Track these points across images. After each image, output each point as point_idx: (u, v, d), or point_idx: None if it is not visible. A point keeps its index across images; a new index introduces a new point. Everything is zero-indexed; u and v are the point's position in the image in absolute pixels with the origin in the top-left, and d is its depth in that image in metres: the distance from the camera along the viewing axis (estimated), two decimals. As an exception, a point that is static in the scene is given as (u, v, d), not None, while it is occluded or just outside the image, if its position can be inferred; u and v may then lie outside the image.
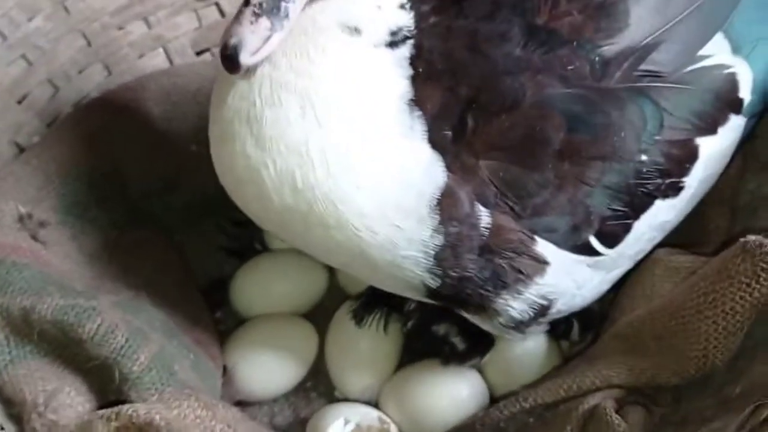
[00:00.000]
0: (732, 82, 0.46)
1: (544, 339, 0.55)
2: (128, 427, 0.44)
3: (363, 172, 0.42)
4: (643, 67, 0.44)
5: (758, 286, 0.42)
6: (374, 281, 0.49)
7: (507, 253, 0.43)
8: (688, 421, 0.44)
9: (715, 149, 0.47)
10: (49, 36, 0.62)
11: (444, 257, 0.43)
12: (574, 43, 0.43)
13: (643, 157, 0.44)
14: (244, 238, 0.63)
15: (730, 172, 0.51)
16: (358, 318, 0.57)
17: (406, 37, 0.43)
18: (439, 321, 0.55)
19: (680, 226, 0.49)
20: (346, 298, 0.60)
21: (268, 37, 0.39)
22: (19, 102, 0.62)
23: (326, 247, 0.44)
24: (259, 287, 0.61)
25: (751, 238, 0.42)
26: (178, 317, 0.55)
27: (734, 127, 0.48)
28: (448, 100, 0.43)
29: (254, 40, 0.39)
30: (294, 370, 0.58)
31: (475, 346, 0.54)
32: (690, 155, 0.46)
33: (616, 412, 0.44)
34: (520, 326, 0.47)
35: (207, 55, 0.68)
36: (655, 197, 0.45)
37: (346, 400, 0.57)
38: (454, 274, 0.44)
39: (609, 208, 0.44)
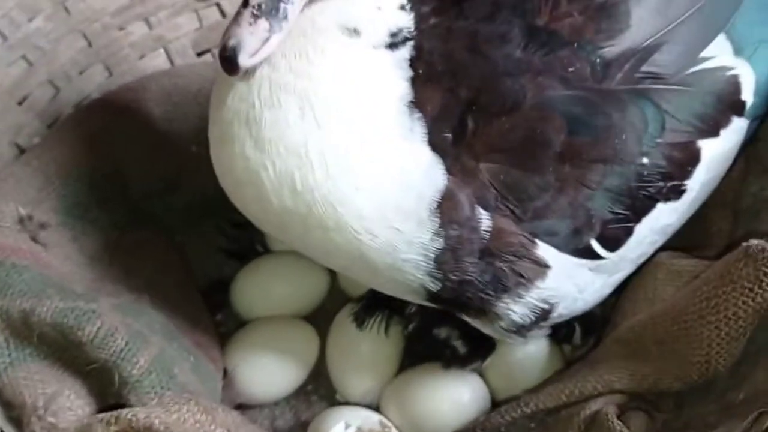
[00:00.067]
0: (734, 84, 0.46)
1: (545, 343, 0.55)
2: (127, 431, 0.44)
3: (362, 174, 0.42)
4: (644, 68, 0.44)
5: (761, 291, 0.42)
6: (374, 284, 0.49)
7: (508, 256, 0.43)
8: (690, 427, 0.44)
9: (717, 152, 0.47)
10: (50, 36, 0.62)
11: (444, 260, 0.43)
12: (575, 45, 0.43)
13: (645, 160, 0.44)
14: (244, 240, 0.63)
15: (733, 174, 0.50)
16: (359, 321, 0.57)
17: (406, 39, 0.43)
18: (441, 324, 0.55)
19: (682, 229, 0.49)
20: (347, 300, 0.60)
21: (267, 39, 0.39)
22: (20, 103, 0.62)
23: (325, 249, 0.44)
24: (260, 289, 0.61)
25: (754, 242, 0.42)
26: (178, 319, 0.55)
27: (736, 129, 0.47)
28: (448, 102, 0.43)
29: (253, 42, 0.39)
30: (295, 372, 0.58)
31: (476, 350, 0.54)
32: (692, 158, 0.46)
33: (618, 417, 0.44)
34: (521, 330, 0.47)
35: (208, 56, 0.68)
36: (657, 200, 0.45)
37: (347, 403, 0.57)
38: (454, 277, 0.43)
39: (610, 212, 0.44)
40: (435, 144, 0.42)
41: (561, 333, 0.54)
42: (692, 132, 0.45)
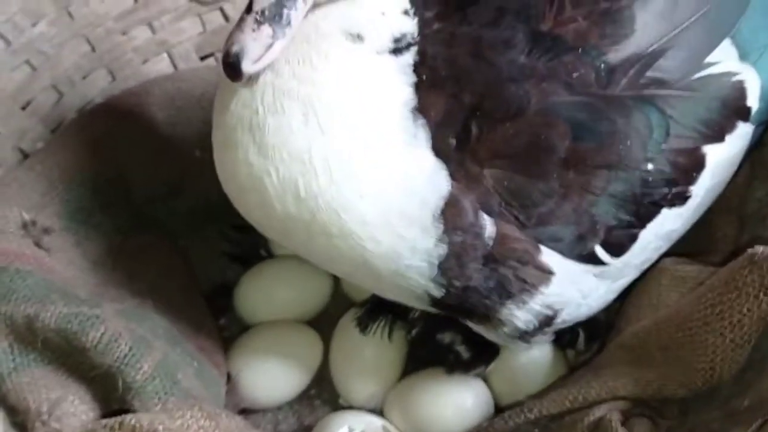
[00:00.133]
0: (740, 90, 0.46)
1: (549, 348, 0.55)
2: (131, 437, 0.44)
3: (366, 180, 0.41)
4: (649, 74, 0.43)
5: (766, 298, 0.41)
6: (378, 290, 0.49)
7: (512, 262, 0.43)
8: (694, 434, 0.44)
9: (722, 157, 0.46)
10: (53, 41, 0.62)
11: (448, 267, 0.43)
12: (579, 50, 0.43)
13: (650, 166, 0.44)
14: (248, 244, 0.63)
15: (738, 180, 0.50)
16: (363, 325, 0.57)
17: (410, 44, 0.43)
18: (444, 329, 0.54)
19: (687, 235, 0.49)
20: (350, 305, 0.60)
21: (270, 45, 0.39)
22: (23, 108, 0.62)
23: (329, 255, 0.44)
24: (264, 294, 0.61)
25: (759, 249, 0.42)
26: (182, 324, 0.55)
27: (742, 134, 0.47)
28: (452, 108, 0.42)
29: (256, 48, 0.39)
30: (298, 377, 0.58)
31: (480, 355, 0.54)
32: (697, 164, 0.45)
33: (622, 424, 0.44)
34: (525, 336, 0.47)
35: (211, 60, 0.68)
36: (662, 206, 0.45)
37: (351, 407, 0.57)
38: (458, 283, 0.43)
39: (615, 218, 0.44)
40: (439, 150, 0.42)
41: (565, 338, 0.54)
42: (697, 138, 0.45)
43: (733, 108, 0.46)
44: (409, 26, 0.43)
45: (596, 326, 0.54)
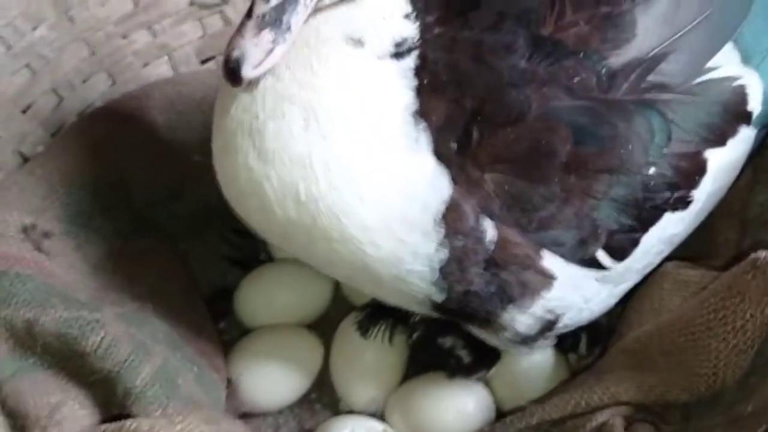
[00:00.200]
0: (741, 94, 0.46)
1: (551, 353, 0.54)
2: (131, 442, 0.43)
3: (367, 184, 0.41)
4: (650, 78, 0.43)
5: (769, 303, 0.41)
6: (379, 295, 0.48)
7: (513, 267, 0.43)
8: (697, 440, 0.44)
9: (724, 162, 0.46)
10: (54, 45, 0.62)
11: (449, 271, 0.43)
12: (581, 55, 0.43)
13: (651, 170, 0.43)
14: (248, 248, 0.63)
15: (740, 184, 0.50)
16: (364, 329, 0.57)
17: (411, 49, 0.43)
18: (445, 333, 0.54)
19: (689, 239, 0.49)
20: (351, 309, 0.60)
21: (271, 50, 0.39)
22: (24, 111, 0.62)
23: (330, 260, 0.44)
24: (264, 297, 0.61)
25: (762, 254, 0.41)
26: (182, 328, 0.55)
27: (744, 139, 0.47)
28: (453, 112, 0.42)
29: (257, 53, 0.38)
30: (299, 381, 0.58)
31: (481, 359, 0.54)
32: (698, 168, 0.45)
33: (625, 429, 0.44)
34: (526, 341, 0.46)
35: (212, 64, 0.68)
36: (664, 210, 0.45)
37: (351, 412, 0.57)
38: (459, 288, 0.43)
39: (616, 222, 0.44)
40: (440, 154, 0.42)
41: (566, 343, 0.54)
42: (699, 142, 0.45)
43: (734, 112, 0.46)
44: (410, 30, 0.43)
45: (598, 330, 0.54)
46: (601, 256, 0.44)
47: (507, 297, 0.44)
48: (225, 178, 0.44)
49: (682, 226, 0.47)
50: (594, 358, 0.54)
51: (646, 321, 0.48)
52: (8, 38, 0.60)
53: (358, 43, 0.42)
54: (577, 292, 0.45)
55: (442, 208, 0.42)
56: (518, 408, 0.52)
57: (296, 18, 0.39)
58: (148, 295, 0.55)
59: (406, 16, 0.43)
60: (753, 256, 0.42)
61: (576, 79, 0.42)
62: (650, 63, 0.43)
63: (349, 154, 0.41)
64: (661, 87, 0.43)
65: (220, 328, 0.60)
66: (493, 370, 0.54)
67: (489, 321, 0.45)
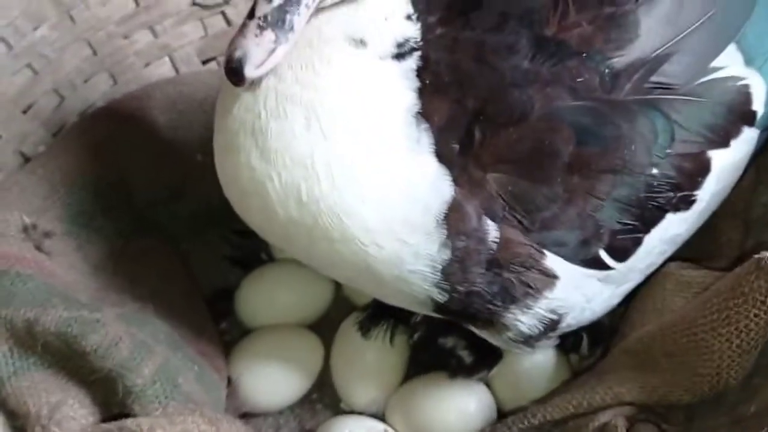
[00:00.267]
0: (745, 95, 0.46)
1: (552, 353, 0.54)
2: (131, 441, 0.43)
3: (369, 185, 0.41)
4: (653, 79, 0.43)
5: (773, 304, 0.41)
6: (380, 296, 0.48)
7: (515, 267, 0.43)
8: (700, 440, 0.44)
9: (727, 162, 0.46)
10: (55, 45, 0.62)
11: (452, 272, 0.42)
12: (584, 55, 0.43)
13: (654, 171, 0.43)
14: (249, 248, 0.63)
15: (743, 184, 0.50)
16: (365, 329, 0.57)
17: (413, 49, 0.42)
18: (447, 333, 0.54)
19: (692, 240, 0.49)
20: (352, 309, 0.60)
21: (273, 50, 0.38)
22: (25, 111, 0.62)
23: (331, 261, 0.43)
24: (265, 298, 0.60)
25: (766, 254, 0.41)
26: (183, 328, 0.55)
27: (747, 139, 0.47)
28: (455, 113, 0.42)
29: (259, 53, 0.38)
30: (299, 381, 0.58)
31: (482, 360, 0.54)
32: (702, 168, 0.45)
33: (627, 430, 0.44)
34: (529, 341, 0.46)
35: (213, 64, 0.68)
36: (666, 211, 0.45)
37: (352, 412, 0.57)
38: (461, 288, 0.43)
39: (619, 222, 0.44)
40: (442, 155, 0.42)
41: (568, 343, 0.54)
42: (702, 142, 0.45)
43: (738, 113, 0.45)
44: (412, 31, 0.43)
45: (600, 331, 0.54)
46: (604, 256, 0.44)
47: (510, 297, 0.43)
48: (226, 177, 0.44)
49: (685, 226, 0.47)
50: (596, 358, 0.54)
51: (648, 321, 0.48)
52: (9, 38, 0.60)
53: (360, 43, 0.41)
54: (579, 292, 0.45)
55: (444, 208, 0.42)
56: (520, 408, 0.52)
57: (298, 18, 0.39)
58: (149, 295, 0.55)
59: (408, 17, 0.43)
60: (756, 256, 0.42)
61: (579, 80, 0.42)
62: (653, 63, 0.43)
63: (350, 154, 0.41)
64: (665, 87, 0.43)
65: (221, 329, 0.60)
66: (494, 371, 0.54)
67: (491, 321, 0.45)
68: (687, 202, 0.45)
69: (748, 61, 0.46)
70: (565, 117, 0.42)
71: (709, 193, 0.46)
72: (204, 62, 0.68)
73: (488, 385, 0.55)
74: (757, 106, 0.46)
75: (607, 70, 0.43)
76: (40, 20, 0.61)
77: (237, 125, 0.42)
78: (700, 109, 0.44)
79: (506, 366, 0.54)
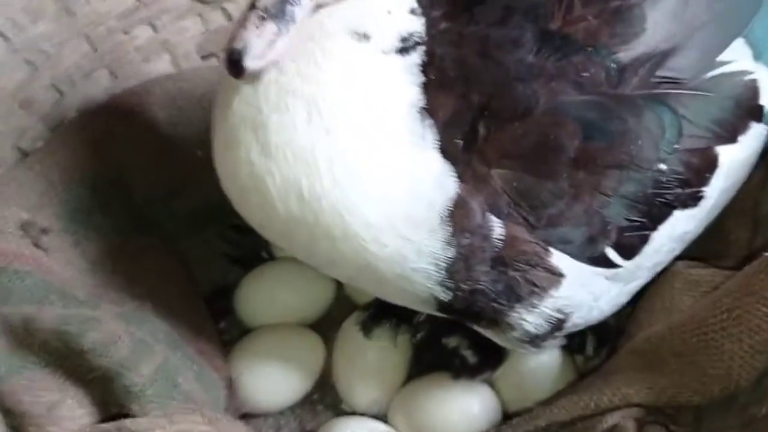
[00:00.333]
0: (753, 89, 0.45)
1: (557, 353, 0.54)
2: (130, 442, 0.43)
3: (371, 181, 0.41)
4: (660, 73, 0.42)
5: (785, 303, 0.41)
6: (382, 294, 0.48)
7: (521, 265, 0.42)
8: (709, 442, 0.43)
9: (735, 158, 0.45)
10: (54, 40, 0.61)
11: (456, 270, 0.42)
12: (589, 49, 0.42)
13: (662, 166, 0.43)
14: (249, 246, 0.62)
15: (752, 182, 0.49)
16: (367, 329, 0.56)
17: (417, 44, 0.42)
18: (450, 333, 0.54)
19: (699, 238, 0.48)
20: (353, 308, 0.59)
21: (274, 42, 0.38)
22: (23, 106, 0.61)
23: (332, 259, 0.43)
24: (265, 296, 0.60)
25: (777, 253, 0.41)
26: (182, 327, 0.54)
27: (755, 135, 0.46)
28: (460, 108, 0.42)
29: (259, 45, 0.38)
30: (300, 381, 0.57)
31: (486, 360, 0.53)
32: (709, 164, 0.44)
33: (636, 432, 0.43)
34: (535, 340, 0.46)
35: (213, 60, 0.67)
36: (674, 207, 0.44)
37: (354, 413, 0.57)
38: (466, 287, 0.42)
39: (626, 219, 0.43)
40: (446, 151, 0.41)
41: (573, 343, 0.53)
42: (710, 138, 0.44)
43: (746, 108, 0.45)
44: (416, 25, 0.42)
45: (605, 331, 0.53)
46: (611, 253, 0.44)
47: (515, 296, 0.43)
48: (225, 173, 0.44)
49: (693, 223, 0.46)
50: (601, 359, 0.54)
51: (656, 321, 0.48)
52: (8, 33, 0.59)
53: (364, 37, 0.41)
54: (586, 290, 0.44)
55: (448, 205, 0.41)
56: (525, 409, 0.51)
57: (299, 9, 0.39)
58: (148, 293, 0.55)
59: (412, 11, 0.42)
60: (767, 255, 0.41)
61: (584, 74, 0.42)
62: (660, 58, 0.42)
63: (353, 149, 0.40)
64: (672, 82, 0.43)
65: (220, 328, 0.60)
66: (498, 371, 0.54)
67: (496, 321, 0.44)
68: (695, 199, 0.45)
69: (757, 56, 0.45)
70: (570, 112, 0.41)
71: (717, 190, 0.46)
72: (204, 58, 0.67)
73: (492, 385, 0.55)
74: (766, 101, 0.46)
75: (613, 65, 0.42)
76: (40, 15, 0.60)
77: (237, 119, 0.42)
78: (707, 104, 0.43)
79: (510, 366, 0.54)
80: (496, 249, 0.42)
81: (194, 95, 0.62)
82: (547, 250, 0.42)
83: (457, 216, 0.41)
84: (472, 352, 0.53)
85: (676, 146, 0.43)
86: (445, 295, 0.43)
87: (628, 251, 0.44)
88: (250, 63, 0.38)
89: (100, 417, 0.48)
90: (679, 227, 0.45)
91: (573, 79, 0.42)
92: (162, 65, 0.66)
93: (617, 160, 0.42)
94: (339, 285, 0.61)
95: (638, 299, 0.50)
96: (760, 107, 0.46)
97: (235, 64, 0.38)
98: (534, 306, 0.43)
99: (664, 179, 0.43)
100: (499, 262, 0.42)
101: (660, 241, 0.45)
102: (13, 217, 0.54)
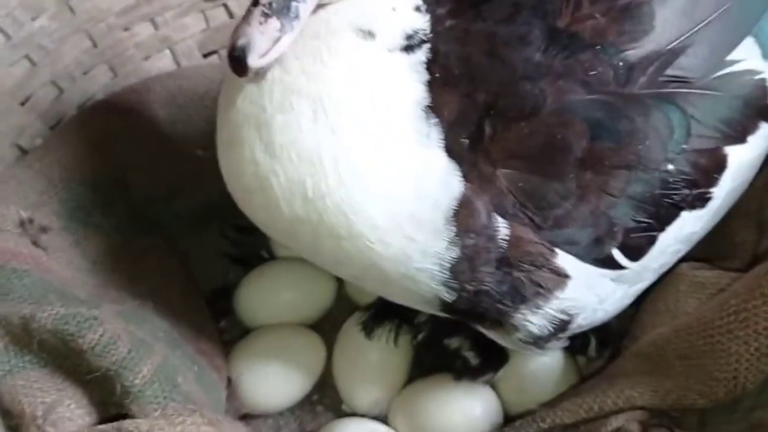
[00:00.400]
0: (762, 89, 0.45)
1: (560, 355, 0.53)
2: (129, 443, 0.42)
3: (377, 180, 0.40)
4: (669, 72, 0.42)
5: (793, 306, 0.40)
6: (386, 294, 0.47)
7: (526, 266, 0.42)
8: (714, 446, 0.43)
9: (744, 159, 0.45)
10: (54, 36, 0.61)
11: (460, 270, 0.41)
12: (597, 48, 0.42)
13: (670, 167, 0.42)
14: (249, 245, 0.62)
15: (757, 183, 0.49)
16: (368, 329, 0.56)
17: (422, 41, 0.42)
18: (452, 334, 0.53)
19: (704, 239, 0.48)
20: (354, 308, 0.59)
21: (278, 39, 0.38)
22: (23, 104, 0.61)
23: (336, 258, 0.42)
24: (265, 296, 0.60)
25: (787, 255, 0.40)
26: (182, 327, 0.54)
27: (764, 135, 0.46)
28: (466, 107, 0.41)
29: (263, 42, 0.37)
30: (300, 382, 0.57)
31: (488, 361, 0.53)
32: (718, 165, 0.44)
33: (640, 435, 0.43)
34: (539, 342, 0.45)
35: (214, 58, 0.67)
36: (682, 208, 0.44)
37: (354, 414, 0.56)
38: (470, 287, 0.42)
39: (633, 220, 0.43)
40: (451, 150, 0.41)
41: (576, 344, 0.53)
42: (719, 138, 0.44)
43: (755, 107, 0.44)
44: (421, 23, 0.42)
45: (608, 332, 0.53)
46: (617, 255, 0.43)
47: (520, 297, 0.42)
48: (230, 173, 0.43)
49: (700, 224, 0.46)
50: (604, 360, 0.53)
51: (661, 323, 0.47)
52: (7, 28, 0.59)
53: (369, 35, 0.41)
54: (591, 291, 0.44)
55: (453, 205, 0.41)
56: (527, 412, 0.51)
57: (304, 6, 0.38)
58: (148, 293, 0.54)
59: (417, 8, 0.42)
60: (775, 257, 0.41)
61: (592, 73, 0.41)
62: (668, 56, 0.42)
63: (358, 148, 0.40)
64: (680, 81, 0.42)
65: (220, 327, 0.59)
66: (500, 373, 0.53)
67: (500, 322, 0.44)
68: (702, 200, 0.44)
69: (766, 55, 0.45)
70: (578, 111, 0.41)
71: (725, 191, 0.45)
72: (205, 55, 0.67)
73: (494, 387, 0.54)
74: (775, 101, 0.45)
75: (621, 63, 0.42)
76: (39, 11, 0.60)
77: (241, 118, 0.41)
78: (716, 103, 0.43)
79: (513, 368, 0.53)
80: (501, 249, 0.41)
81: (195, 93, 0.62)
82: (552, 251, 0.42)
83: (462, 216, 0.41)
84: (474, 353, 0.53)
85: (684, 146, 0.43)
86: (449, 296, 0.43)
87: (635, 252, 0.44)
88: (253, 61, 0.37)
89: (99, 418, 0.47)
90: (686, 228, 0.45)
91: (580, 78, 0.41)
92: (163, 62, 0.65)
93: (625, 160, 0.42)
94: (340, 285, 0.60)
95: (642, 301, 0.50)
96: None
97: (238, 62, 0.37)
98: (539, 307, 0.43)
99: (671, 180, 0.43)
100: (504, 262, 0.42)
101: (666, 242, 0.44)
102: (12, 215, 0.53)
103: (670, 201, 0.43)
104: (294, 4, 0.38)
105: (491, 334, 0.47)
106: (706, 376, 0.43)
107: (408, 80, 0.41)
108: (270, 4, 0.38)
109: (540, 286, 0.42)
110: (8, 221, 0.53)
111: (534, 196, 0.41)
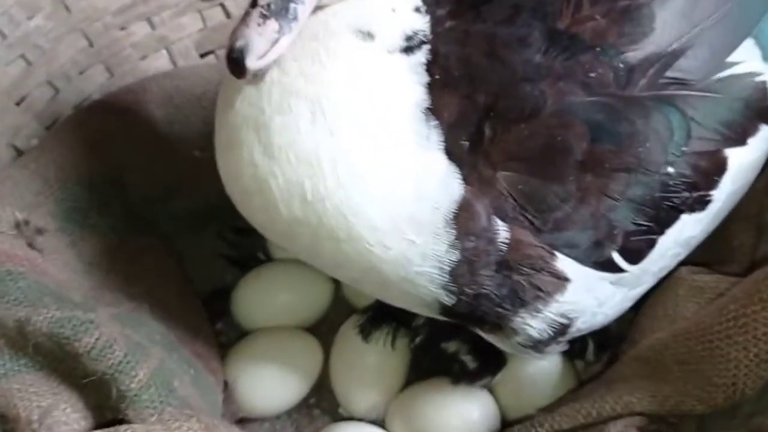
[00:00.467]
0: (763, 91, 0.44)
1: (558, 359, 0.53)
2: (125, 448, 0.42)
3: (376, 182, 0.40)
4: (669, 74, 0.42)
5: (793, 311, 0.40)
6: (385, 297, 0.47)
7: (526, 269, 0.42)
8: (713, 452, 0.42)
9: (744, 161, 0.45)
10: (50, 35, 0.61)
11: (460, 273, 0.41)
12: (597, 49, 0.42)
13: (670, 169, 0.42)
14: (246, 247, 0.62)
15: (757, 186, 0.48)
16: (365, 333, 0.56)
17: (422, 42, 0.41)
18: (449, 337, 0.53)
19: (703, 243, 0.47)
20: (352, 311, 0.59)
21: (276, 40, 0.37)
22: (18, 103, 0.60)
23: (335, 261, 0.42)
24: (262, 299, 0.59)
25: (787, 260, 0.40)
26: (178, 329, 0.54)
27: (765, 137, 0.45)
28: (466, 108, 0.41)
29: (261, 43, 0.37)
30: (297, 385, 0.56)
31: (486, 365, 0.53)
32: (718, 167, 0.44)
33: (639, 441, 0.42)
34: (538, 345, 0.45)
35: (211, 58, 0.67)
36: (682, 211, 0.43)
37: (351, 418, 0.56)
38: (470, 291, 0.42)
39: (633, 223, 0.42)
40: (451, 152, 0.41)
41: (574, 348, 0.53)
42: (719, 140, 0.43)
43: (756, 109, 0.44)
44: (421, 24, 0.42)
45: (606, 336, 0.53)
46: (617, 258, 0.43)
47: (519, 300, 0.42)
48: (228, 174, 0.43)
49: (700, 227, 0.46)
50: (602, 365, 0.53)
51: (659, 328, 0.47)
52: (3, 28, 0.58)
53: (368, 36, 0.41)
54: (591, 295, 0.44)
55: (453, 207, 0.40)
56: (525, 417, 0.51)
57: (302, 7, 0.38)
58: (145, 295, 0.54)
59: (417, 9, 0.42)
60: (774, 261, 0.41)
61: (592, 75, 0.41)
62: (669, 58, 0.42)
63: (357, 150, 0.40)
64: (680, 83, 0.42)
65: (216, 329, 0.59)
66: (498, 377, 0.53)
67: (500, 325, 0.44)
68: (702, 203, 0.44)
69: (766, 57, 0.45)
70: (578, 113, 0.41)
71: (725, 194, 0.45)
72: (202, 55, 0.67)
73: (492, 391, 0.54)
74: (775, 103, 0.45)
75: (621, 65, 0.41)
76: (35, 10, 0.60)
77: (239, 120, 0.41)
78: (716, 106, 0.43)
79: (510, 372, 0.53)
80: (501, 253, 0.41)
81: (192, 94, 0.61)
82: (552, 255, 0.42)
83: (462, 219, 0.40)
84: (472, 357, 0.53)
85: (684, 149, 0.42)
86: (448, 299, 0.42)
87: (635, 256, 0.43)
88: (251, 62, 0.37)
89: (95, 422, 0.47)
90: (686, 231, 0.45)
91: (581, 80, 0.41)
92: (159, 62, 0.65)
93: (625, 162, 0.41)
94: (337, 288, 0.60)
95: (641, 305, 0.50)
96: None
97: (236, 63, 0.37)
98: (538, 311, 0.43)
99: (671, 182, 0.42)
100: (504, 266, 0.41)
101: (666, 245, 0.44)
102: (8, 216, 0.53)
103: (670, 204, 0.43)
104: (292, 5, 0.38)
105: (490, 338, 0.46)
106: (705, 381, 0.42)
107: (407, 82, 0.41)
108: (268, 5, 0.37)
109: (540, 289, 0.42)
110: (4, 223, 0.53)
111: (534, 198, 0.41)
